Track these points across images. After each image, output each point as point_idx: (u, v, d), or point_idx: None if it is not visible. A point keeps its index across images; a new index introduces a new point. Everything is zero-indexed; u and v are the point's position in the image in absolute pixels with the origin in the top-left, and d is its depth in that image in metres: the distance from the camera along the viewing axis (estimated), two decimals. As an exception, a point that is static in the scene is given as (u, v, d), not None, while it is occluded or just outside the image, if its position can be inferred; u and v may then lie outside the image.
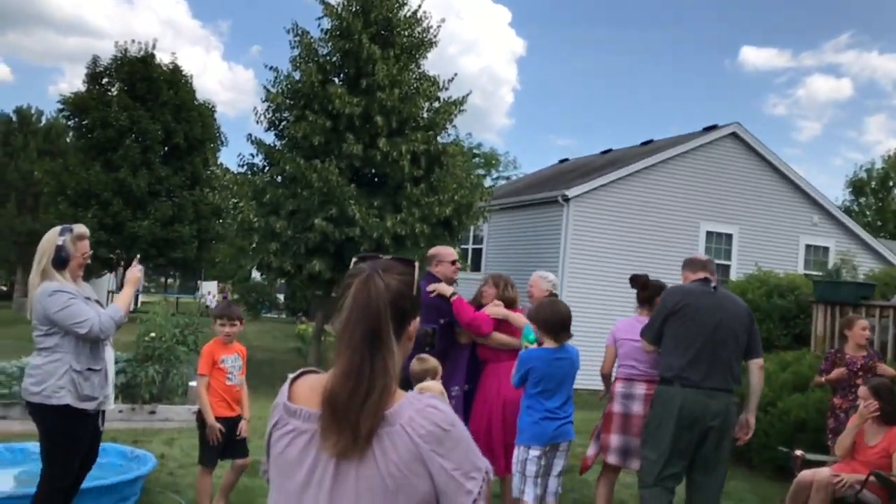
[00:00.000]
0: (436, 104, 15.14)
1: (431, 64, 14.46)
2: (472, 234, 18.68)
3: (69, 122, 24.87)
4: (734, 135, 17.04)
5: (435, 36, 15.21)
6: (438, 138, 14.86)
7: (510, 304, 5.00)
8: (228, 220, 14.43)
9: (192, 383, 7.77)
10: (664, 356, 4.42)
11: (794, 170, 17.52)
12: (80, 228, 3.86)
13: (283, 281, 28.95)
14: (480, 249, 19.08)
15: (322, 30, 14.74)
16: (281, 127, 14.91)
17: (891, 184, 37.99)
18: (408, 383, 4.91)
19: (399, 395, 1.51)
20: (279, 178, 14.67)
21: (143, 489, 4.92)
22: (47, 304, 3.64)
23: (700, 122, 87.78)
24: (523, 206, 17.60)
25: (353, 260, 1.63)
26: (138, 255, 4.12)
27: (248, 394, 4.73)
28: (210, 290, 36.95)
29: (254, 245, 13.87)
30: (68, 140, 29.63)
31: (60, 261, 3.72)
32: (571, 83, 78.94)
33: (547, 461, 4.11)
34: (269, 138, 15.14)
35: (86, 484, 4.25)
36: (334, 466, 1.46)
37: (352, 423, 1.44)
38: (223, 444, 4.44)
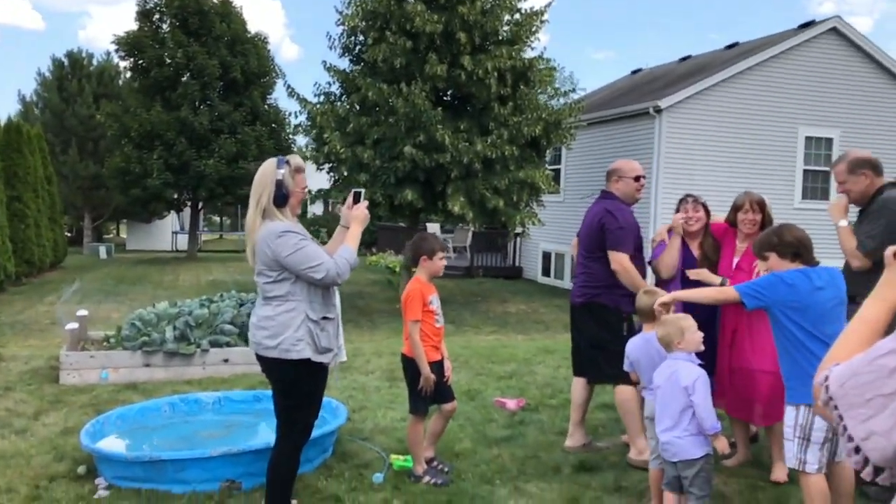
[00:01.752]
0: (517, 16, 14.23)
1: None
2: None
3: (124, 63, 24.43)
4: (834, 30, 15.80)
5: (514, -60, 14.15)
6: (522, 53, 14.01)
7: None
8: (314, 151, 13.89)
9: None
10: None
11: (899, 65, 16.26)
12: (297, 160, 3.41)
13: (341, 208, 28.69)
14: (558, 170, 18.37)
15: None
16: (357, 51, 14.22)
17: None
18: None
19: None
20: (355, 106, 14.07)
21: (336, 439, 4.62)
22: (276, 246, 3.21)
23: (737, 34, 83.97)
24: (606, 122, 16.76)
25: None
26: (362, 191, 3.64)
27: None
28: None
29: (342, 177, 13.42)
30: (120, 82, 29.33)
31: (281, 197, 3.28)
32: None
33: None
34: (344, 65, 14.50)
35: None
36: None
37: None
38: (435, 389, 4.07)
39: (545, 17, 14.38)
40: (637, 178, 4.64)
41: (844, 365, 1.17)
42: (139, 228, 31.81)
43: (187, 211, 26.59)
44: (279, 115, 24.67)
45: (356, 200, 3.56)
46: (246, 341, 7.46)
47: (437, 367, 4.09)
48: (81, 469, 4.24)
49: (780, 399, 3.51)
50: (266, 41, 24.51)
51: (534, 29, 14.24)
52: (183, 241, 29.07)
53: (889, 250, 1.35)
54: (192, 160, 21.99)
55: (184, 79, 22.53)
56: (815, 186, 15.83)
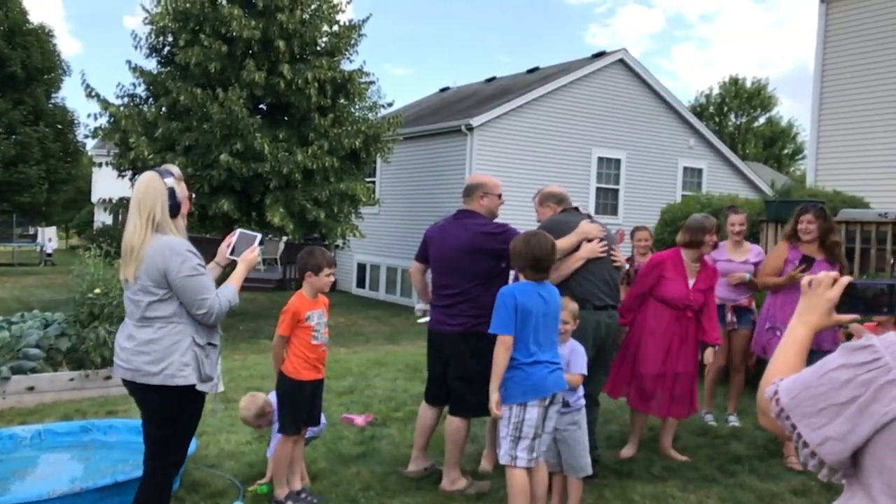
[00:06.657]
0: (335, 28, 14.20)
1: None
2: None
3: None
4: (621, 61, 17.45)
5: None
6: (342, 66, 14.00)
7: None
8: (118, 157, 12.86)
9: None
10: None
11: (674, 95, 18.31)
12: (176, 169, 3.16)
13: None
14: (373, 183, 18.51)
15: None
16: (166, 53, 13.41)
17: (726, 109, 41.05)
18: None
19: None
20: (163, 110, 13.25)
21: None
22: (173, 263, 2.94)
23: (524, 56, 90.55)
24: (421, 137, 17.18)
25: None
26: (258, 236, 3.42)
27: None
28: (50, 237, 33.47)
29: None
30: None
31: (175, 207, 3.03)
32: (404, 9, 78.29)
33: (546, 417, 3.53)
34: (152, 66, 13.60)
35: (133, 472, 3.70)
36: None
37: None
38: (308, 409, 3.97)
39: (363, 31, 14.48)
40: (500, 196, 4.66)
41: (791, 379, 1.30)
42: None
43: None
44: (66, 115, 22.59)
45: (245, 244, 3.37)
46: (54, 367, 6.77)
47: (313, 386, 4.01)
48: None
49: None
50: (51, 34, 22.35)
51: (352, 42, 14.28)
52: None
53: (805, 280, 1.53)
54: (-41, 162, 19.48)
55: (-52, 70, 19.96)
56: (606, 203, 17.31)
